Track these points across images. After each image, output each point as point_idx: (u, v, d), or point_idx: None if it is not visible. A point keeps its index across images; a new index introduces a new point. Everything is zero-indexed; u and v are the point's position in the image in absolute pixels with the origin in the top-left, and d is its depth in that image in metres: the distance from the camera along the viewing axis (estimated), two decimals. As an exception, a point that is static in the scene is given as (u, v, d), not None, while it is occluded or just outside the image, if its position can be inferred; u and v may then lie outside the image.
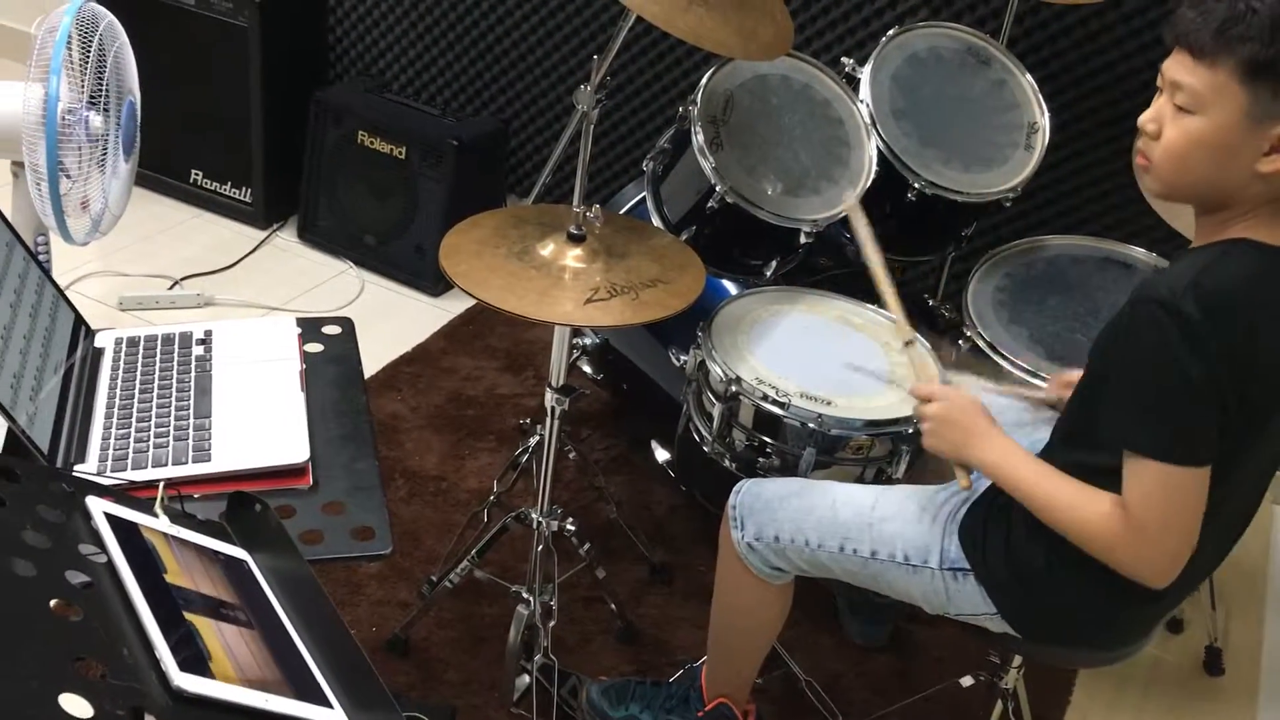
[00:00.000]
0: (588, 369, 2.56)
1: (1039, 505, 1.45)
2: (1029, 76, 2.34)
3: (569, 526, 2.03)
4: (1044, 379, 1.98)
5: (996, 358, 2.02)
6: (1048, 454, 1.54)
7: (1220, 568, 2.08)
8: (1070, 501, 1.42)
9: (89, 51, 1.93)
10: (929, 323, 2.50)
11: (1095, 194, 2.78)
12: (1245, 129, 1.30)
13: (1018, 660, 1.82)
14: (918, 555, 1.60)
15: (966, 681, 1.92)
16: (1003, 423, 1.81)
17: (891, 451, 1.88)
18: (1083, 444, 1.46)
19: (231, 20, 3.11)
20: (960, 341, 2.11)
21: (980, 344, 2.05)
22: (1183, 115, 1.33)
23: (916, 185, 2.17)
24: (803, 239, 2.10)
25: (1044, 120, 2.31)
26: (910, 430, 1.84)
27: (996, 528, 1.55)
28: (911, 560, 1.61)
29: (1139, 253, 2.25)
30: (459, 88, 3.43)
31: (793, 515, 1.67)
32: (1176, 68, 1.34)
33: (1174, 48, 1.34)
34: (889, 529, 1.62)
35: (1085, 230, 2.67)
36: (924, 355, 1.67)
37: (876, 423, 1.84)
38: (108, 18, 2.00)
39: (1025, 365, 2.00)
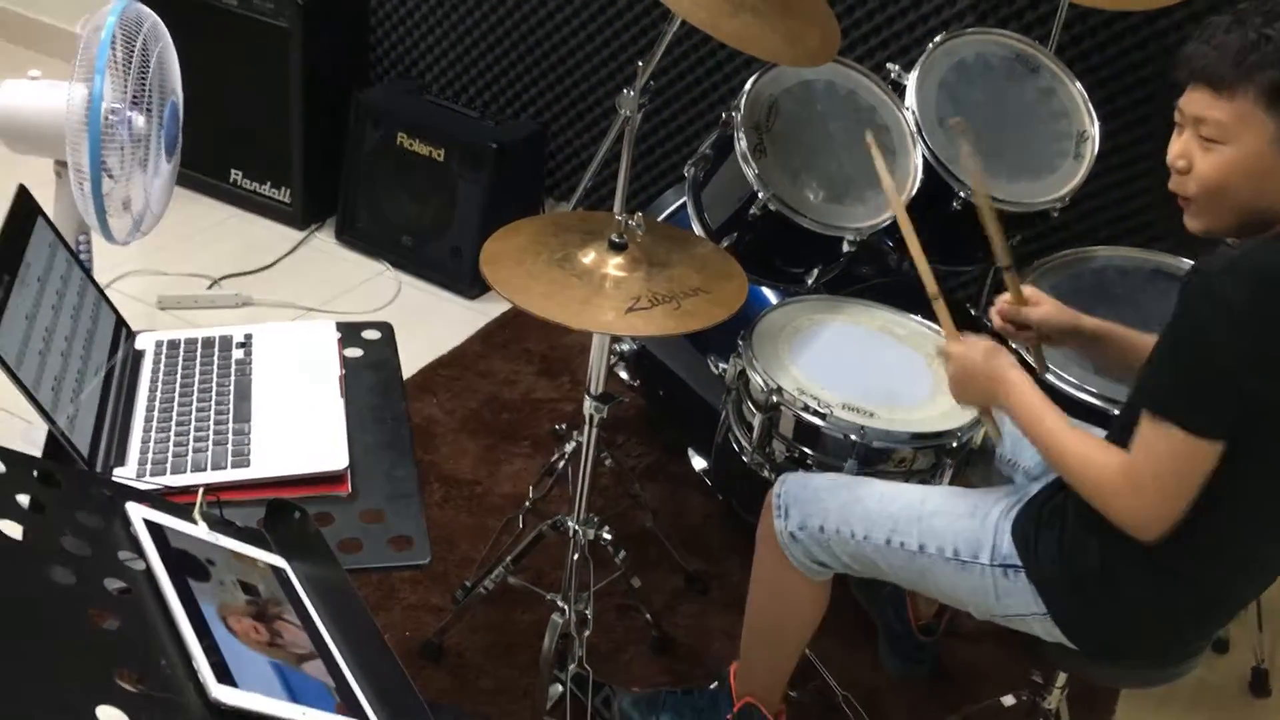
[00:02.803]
0: (625, 375, 2.55)
1: (1052, 448, 1.47)
2: (1078, 84, 2.30)
3: (605, 534, 2.01)
4: (1090, 390, 1.95)
5: (1046, 374, 1.98)
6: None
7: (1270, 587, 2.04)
8: (1080, 449, 1.44)
9: (133, 52, 1.93)
10: (973, 333, 2.45)
11: (1144, 204, 2.73)
12: (1276, 152, 1.33)
13: (1061, 680, 1.79)
14: (968, 550, 1.58)
15: (1008, 701, 1.89)
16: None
17: (935, 465, 1.85)
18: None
19: (273, 21, 3.11)
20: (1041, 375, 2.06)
21: (1025, 356, 2.01)
22: (1212, 147, 1.36)
23: (962, 194, 2.14)
24: (845, 247, 2.08)
25: (1094, 129, 2.27)
26: (954, 444, 1.81)
27: (1051, 526, 1.53)
28: (961, 555, 1.58)
29: (1189, 264, 2.20)
30: (499, 90, 3.42)
31: (840, 506, 1.65)
32: (1196, 103, 1.36)
33: (1189, 83, 1.37)
34: (939, 523, 1.60)
35: (1132, 241, 2.62)
36: (947, 311, 1.65)
37: (920, 435, 1.81)
38: (151, 18, 2.00)
39: (1071, 379, 1.96)
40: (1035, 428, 1.50)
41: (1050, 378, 1.98)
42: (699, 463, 2.45)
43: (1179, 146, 1.40)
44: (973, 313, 2.52)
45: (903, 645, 2.15)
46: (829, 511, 1.65)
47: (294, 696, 0.97)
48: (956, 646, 2.23)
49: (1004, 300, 1.72)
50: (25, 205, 1.48)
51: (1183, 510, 1.38)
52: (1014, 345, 1.79)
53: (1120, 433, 1.46)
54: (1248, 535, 1.46)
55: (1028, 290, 1.74)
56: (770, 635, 1.83)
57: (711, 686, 2.00)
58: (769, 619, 1.82)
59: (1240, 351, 1.31)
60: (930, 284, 1.68)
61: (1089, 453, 1.44)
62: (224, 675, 0.93)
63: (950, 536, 1.59)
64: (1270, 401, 1.33)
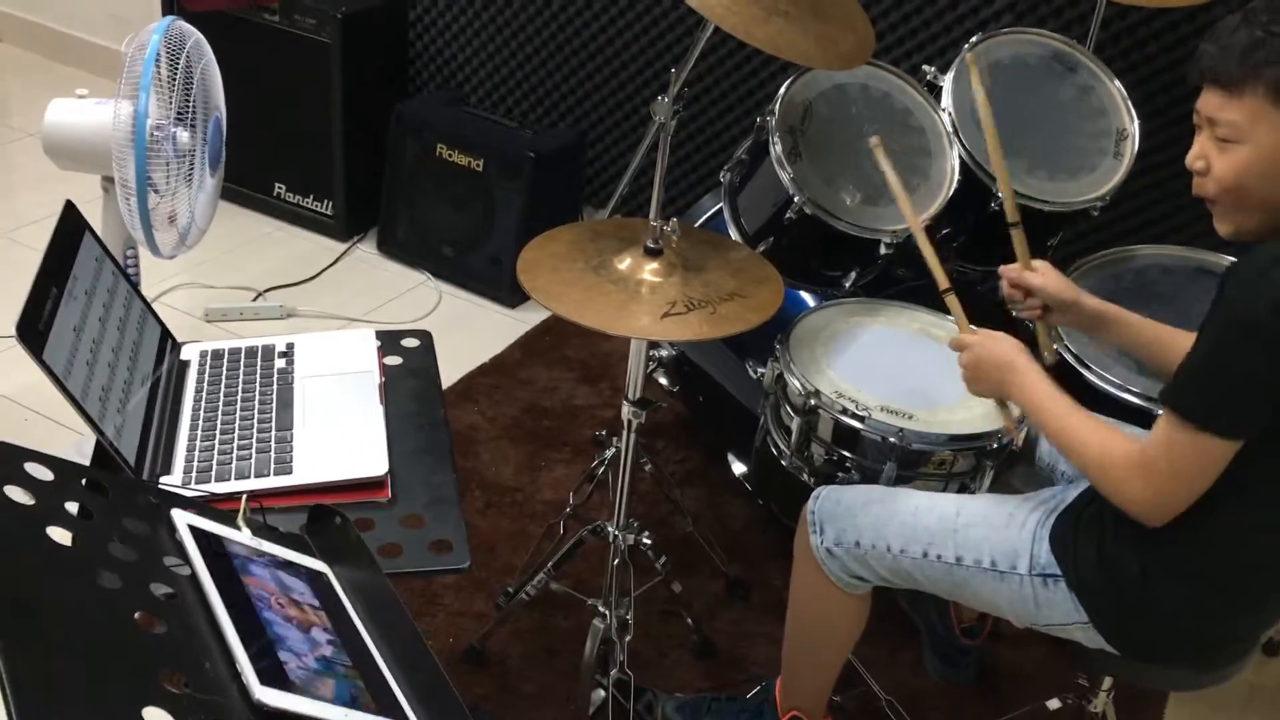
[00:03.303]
0: (664, 381, 2.55)
1: (1066, 437, 1.48)
2: (1117, 82, 2.28)
3: (645, 540, 2.02)
4: (1134, 391, 1.93)
5: (1085, 372, 1.97)
6: None
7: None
8: (1092, 437, 1.45)
9: (177, 69, 1.97)
10: (1010, 334, 2.44)
11: (1186, 202, 2.69)
12: None
13: (1107, 683, 1.77)
14: (1005, 560, 1.57)
15: (1053, 704, 1.87)
16: None
17: (975, 467, 1.84)
18: None
19: (315, 36, 3.16)
20: (1044, 354, 2.05)
21: (1068, 357, 2.00)
22: (1228, 147, 1.36)
23: (1000, 194, 2.12)
24: (882, 249, 2.07)
25: (1134, 127, 2.25)
26: (994, 445, 1.80)
27: (1088, 533, 1.52)
28: (999, 565, 1.57)
29: (1232, 262, 2.18)
30: (536, 99, 3.44)
31: (874, 520, 1.64)
32: (1209, 104, 1.37)
33: (1202, 85, 1.37)
34: (975, 534, 1.59)
35: (1175, 240, 2.59)
36: (959, 304, 1.68)
37: (959, 437, 1.80)
38: (195, 35, 2.04)
39: (1115, 379, 1.95)
40: (1043, 415, 1.51)
41: (1093, 378, 1.96)
42: (738, 467, 2.45)
43: (1197, 148, 1.40)
44: (1012, 313, 2.51)
45: (946, 649, 2.13)
46: (863, 527, 1.65)
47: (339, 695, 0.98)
48: (1001, 649, 2.21)
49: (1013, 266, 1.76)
50: (73, 220, 1.51)
51: (1190, 501, 1.38)
52: (1022, 317, 1.82)
53: None
54: None
55: (1034, 261, 1.77)
56: (811, 649, 1.83)
57: (754, 692, 2.00)
58: (809, 633, 1.81)
59: (1268, 354, 1.28)
60: (941, 279, 1.70)
61: (1100, 437, 1.44)
62: (272, 677, 0.95)
63: (987, 547, 1.58)
64: None
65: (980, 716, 2.06)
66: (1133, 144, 2.24)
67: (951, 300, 1.69)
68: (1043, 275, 1.74)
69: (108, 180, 2.06)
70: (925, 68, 2.26)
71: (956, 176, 2.13)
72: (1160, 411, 1.38)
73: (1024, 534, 1.57)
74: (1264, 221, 1.39)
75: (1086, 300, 1.72)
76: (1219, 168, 1.37)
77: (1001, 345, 1.59)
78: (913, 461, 1.81)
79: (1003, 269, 1.77)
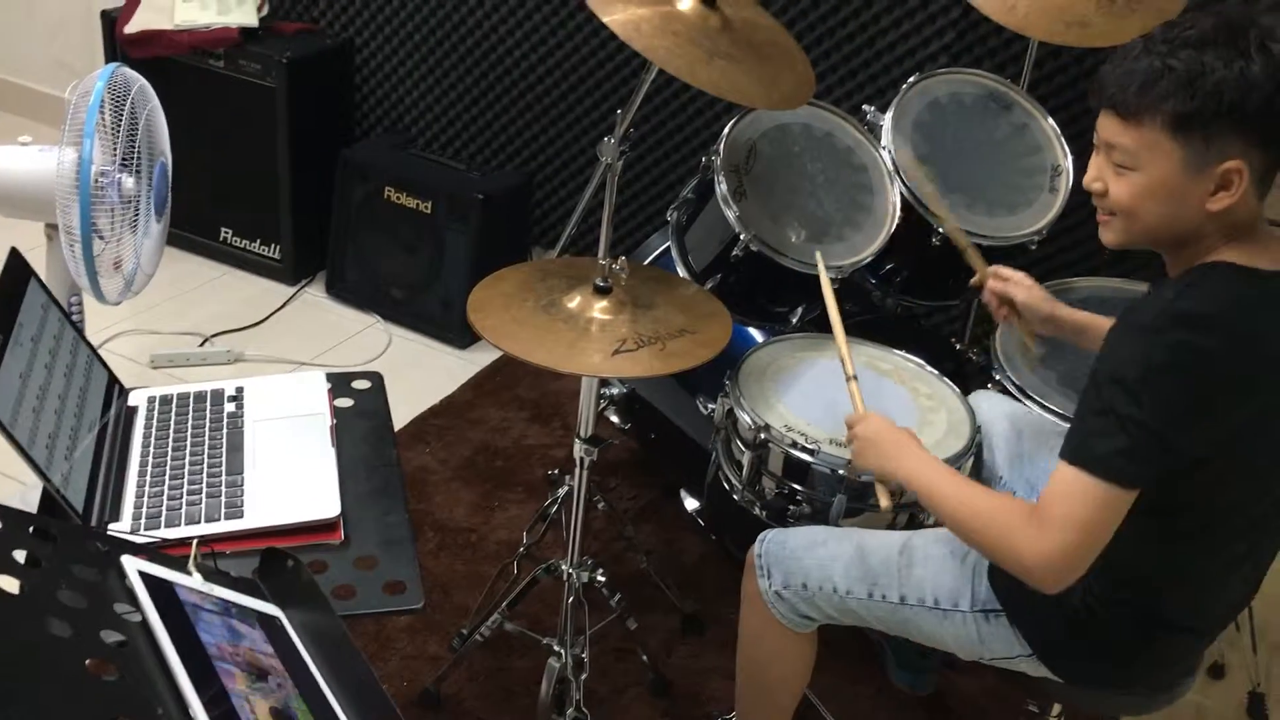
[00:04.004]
0: (615, 419, 2.56)
1: (949, 511, 1.46)
2: (1051, 120, 2.35)
3: (599, 577, 2.02)
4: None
5: (1027, 401, 2.01)
6: None
7: (1262, 611, 2.05)
8: (979, 503, 1.43)
9: (121, 115, 1.97)
10: (956, 368, 2.48)
11: (1121, 235, 2.77)
12: (1186, 177, 1.33)
13: (1057, 709, 1.79)
14: (948, 598, 1.59)
15: (1005, 731, 1.89)
16: (1012, 453, 1.83)
17: (923, 497, 1.87)
18: None
19: (259, 81, 3.16)
20: (989, 385, 2.10)
21: (1010, 388, 2.04)
22: (1123, 172, 1.37)
23: (940, 230, 2.17)
24: (828, 285, 2.10)
25: (1067, 163, 2.31)
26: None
27: None
28: (942, 604, 1.59)
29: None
30: (484, 142, 3.47)
31: (820, 562, 1.66)
32: (1107, 128, 1.38)
33: (1101, 109, 1.38)
34: (917, 573, 1.61)
35: (1112, 272, 2.66)
36: (857, 392, 1.74)
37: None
38: (139, 82, 2.03)
39: (1055, 409, 1.99)
40: (930, 489, 1.49)
41: (1032, 405, 2.00)
42: (691, 503, 2.46)
43: (1094, 170, 1.42)
44: (957, 347, 2.56)
45: (907, 656, 2.16)
46: (809, 568, 1.66)
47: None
48: (954, 678, 2.24)
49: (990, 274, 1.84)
50: (17, 268, 1.50)
51: (1089, 555, 1.34)
52: (1006, 327, 1.90)
53: None
54: (1210, 557, 1.46)
55: (1008, 271, 1.83)
56: (764, 690, 1.84)
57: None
58: (761, 675, 1.82)
59: (1171, 402, 1.29)
60: (848, 365, 1.77)
61: (991, 505, 1.42)
62: (222, 722, 0.94)
63: (929, 586, 1.60)
64: (1207, 449, 1.33)
65: (935, 746, 2.08)
66: (1067, 179, 2.31)
67: (852, 387, 1.75)
68: (1025, 289, 1.79)
69: (51, 227, 2.04)
70: (865, 107, 2.31)
71: (898, 213, 2.17)
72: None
73: (965, 570, 1.59)
74: (1149, 239, 1.42)
75: (1062, 311, 1.77)
76: (1115, 191, 1.39)
77: (889, 428, 1.62)
78: (862, 493, 1.84)
79: (989, 283, 1.83)
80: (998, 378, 2.06)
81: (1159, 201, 1.36)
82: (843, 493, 1.82)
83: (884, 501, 1.63)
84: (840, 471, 1.81)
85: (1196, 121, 1.29)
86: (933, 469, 1.53)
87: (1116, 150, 1.37)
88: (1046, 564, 1.35)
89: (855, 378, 1.76)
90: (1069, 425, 1.39)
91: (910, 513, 1.88)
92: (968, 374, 2.40)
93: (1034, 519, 1.35)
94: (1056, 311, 1.77)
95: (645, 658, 2.16)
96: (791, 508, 1.89)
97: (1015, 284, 1.81)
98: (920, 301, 2.40)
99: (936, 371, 2.06)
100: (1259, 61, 1.26)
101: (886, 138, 2.22)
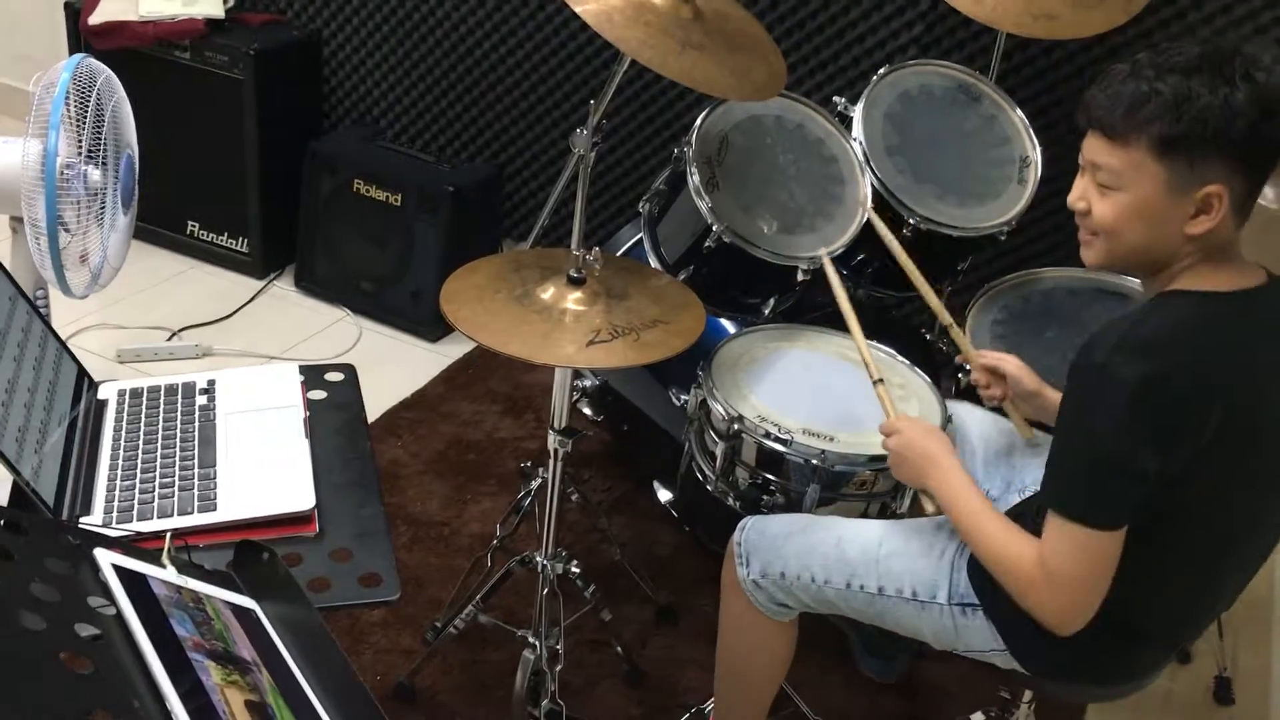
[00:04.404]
0: (588, 411, 2.56)
1: (971, 537, 1.49)
2: (1019, 112, 2.36)
3: (573, 569, 2.02)
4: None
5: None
6: (1025, 509, 1.56)
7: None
8: (999, 539, 1.45)
9: (87, 107, 1.95)
10: (927, 358, 2.50)
11: (1088, 226, 2.80)
12: (1168, 198, 1.36)
13: (1028, 696, 1.81)
14: (925, 591, 1.60)
15: (977, 718, 1.91)
16: (987, 451, 1.83)
17: (896, 486, 1.88)
18: None
19: (226, 73, 3.13)
20: (959, 375, 2.11)
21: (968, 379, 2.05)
22: (1108, 192, 1.39)
23: (911, 221, 2.18)
24: (800, 276, 2.11)
25: (1035, 154, 2.33)
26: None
27: None
28: (919, 596, 1.60)
29: (1133, 283, 2.26)
30: (454, 134, 3.45)
31: (799, 551, 1.67)
32: (1093, 149, 1.40)
33: (1087, 129, 1.40)
34: (896, 565, 1.62)
35: (1079, 261, 2.67)
36: (886, 396, 1.71)
37: (880, 457, 1.84)
38: (105, 73, 2.01)
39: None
40: (958, 514, 1.51)
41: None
42: (664, 494, 2.47)
43: (1078, 189, 1.44)
44: (927, 338, 2.58)
45: (877, 644, 2.17)
46: (788, 557, 1.67)
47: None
48: (926, 666, 2.25)
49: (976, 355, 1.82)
50: (-16, 260, 1.48)
51: (1098, 601, 1.39)
52: (994, 406, 1.85)
53: (1036, 518, 1.48)
54: (1196, 573, 1.48)
55: (992, 355, 1.81)
56: (743, 678, 1.84)
57: (685, 718, 2.01)
58: (740, 664, 1.83)
59: (1135, 433, 1.31)
60: (872, 370, 1.74)
61: (1007, 543, 1.44)
62: (202, 715, 0.93)
63: (908, 578, 1.61)
64: (1174, 473, 1.34)
65: (908, 733, 2.10)
66: (1035, 170, 2.33)
67: (881, 390, 1.72)
68: (1015, 367, 1.77)
69: (16, 220, 2.02)
70: (836, 99, 2.32)
71: (870, 203, 2.18)
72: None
73: (943, 564, 1.61)
74: (1129, 261, 1.44)
75: (1048, 392, 1.75)
76: (1098, 210, 1.40)
77: (928, 439, 1.60)
78: (835, 483, 1.85)
79: (980, 362, 1.81)
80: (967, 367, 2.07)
81: (1141, 222, 1.38)
82: (816, 483, 1.83)
83: (928, 507, 1.61)
84: (813, 462, 1.82)
85: (1181, 145, 1.32)
86: (955, 493, 1.52)
87: (1102, 170, 1.38)
88: (1061, 621, 1.41)
89: (881, 381, 1.73)
90: (1048, 472, 1.41)
91: (883, 502, 1.89)
92: (937, 364, 2.42)
93: (1044, 579, 1.39)
94: (1043, 390, 1.75)
95: (620, 649, 2.16)
96: (765, 498, 1.89)
97: (1004, 360, 1.79)
98: (890, 292, 2.42)
99: (908, 361, 2.07)
100: (1243, 90, 1.29)
101: (858, 128, 2.23)
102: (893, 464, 1.64)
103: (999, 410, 1.87)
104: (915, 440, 1.60)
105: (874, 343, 2.09)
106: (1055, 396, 1.73)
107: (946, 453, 1.58)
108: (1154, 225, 1.38)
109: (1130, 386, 1.30)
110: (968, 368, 2.06)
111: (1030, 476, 1.78)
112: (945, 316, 1.90)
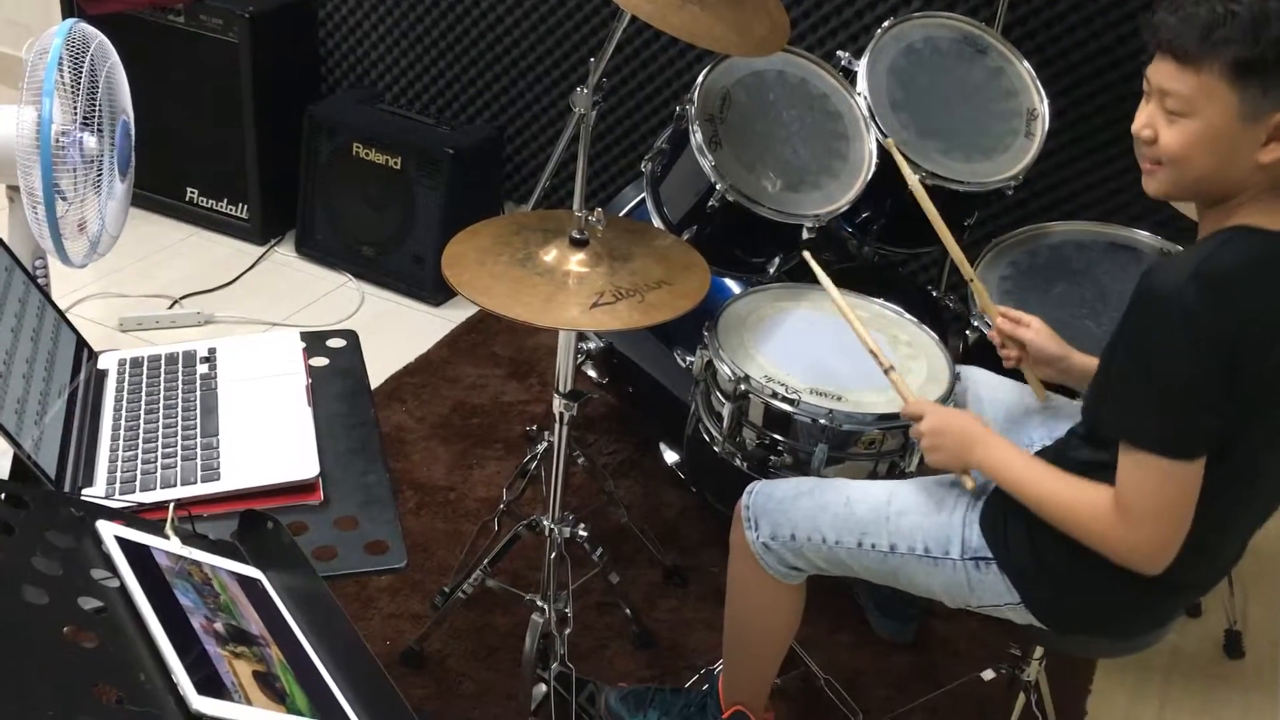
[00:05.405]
0: (593, 373, 2.55)
1: (1036, 501, 1.47)
2: (1026, 63, 2.33)
3: (581, 532, 2.01)
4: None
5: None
6: (1062, 451, 1.53)
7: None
8: (1066, 494, 1.44)
9: (81, 73, 1.92)
10: (934, 315, 2.48)
11: (1097, 179, 2.77)
12: (1240, 125, 1.32)
13: (1039, 652, 1.81)
14: (938, 546, 1.59)
15: (987, 675, 1.91)
16: (1001, 417, 1.82)
17: (904, 445, 1.87)
18: (1096, 442, 1.47)
19: (222, 37, 3.10)
20: (967, 332, 2.09)
21: (986, 333, 2.03)
22: (1176, 119, 1.35)
23: (917, 176, 2.15)
24: (805, 234, 2.09)
25: (1043, 107, 2.30)
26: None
27: (1018, 516, 1.53)
28: (932, 552, 1.59)
29: (1144, 236, 2.24)
30: (453, 96, 3.41)
31: (808, 513, 1.66)
32: (1162, 74, 1.35)
33: (1156, 53, 1.35)
34: (907, 522, 1.61)
35: (1088, 216, 2.66)
36: (900, 382, 1.68)
37: (888, 416, 1.83)
38: (98, 38, 1.98)
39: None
40: (1012, 480, 1.49)
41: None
42: (671, 456, 2.46)
43: (1144, 116, 1.39)
44: (934, 294, 2.55)
45: (890, 605, 2.17)
46: (797, 519, 1.66)
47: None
48: (935, 624, 2.25)
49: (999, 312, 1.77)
50: (-21, 230, 1.46)
51: (1182, 535, 1.37)
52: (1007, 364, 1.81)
53: (1066, 453, 1.46)
54: (1211, 522, 1.45)
55: (1017, 314, 1.76)
56: (752, 641, 1.84)
57: (694, 680, 2.01)
58: (749, 626, 1.82)
59: (1209, 365, 1.29)
60: (882, 359, 1.69)
61: (1076, 495, 1.43)
62: (209, 686, 0.93)
63: (920, 534, 1.60)
64: (1246, 407, 1.32)
65: (916, 690, 2.10)
66: (1043, 123, 2.29)
67: (895, 377, 1.68)
68: (1035, 331, 1.73)
69: (13, 189, 2.00)
70: (840, 53, 2.29)
71: (874, 159, 2.15)
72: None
73: (955, 519, 1.59)
74: (1194, 191, 1.40)
75: (1075, 356, 1.71)
76: (1165, 138, 1.36)
77: (962, 419, 1.58)
78: (843, 442, 1.84)
79: (998, 324, 1.77)
80: (975, 324, 2.06)
81: (1209, 150, 1.34)
82: (824, 442, 1.82)
83: (969, 484, 1.59)
84: (821, 421, 1.80)
85: (1257, 69, 1.28)
86: (1010, 462, 1.50)
87: (1170, 96, 1.34)
88: (1144, 559, 1.40)
89: (893, 368, 1.69)
90: (1109, 394, 1.38)
91: (891, 461, 1.88)
92: (945, 321, 2.40)
93: (1121, 517, 1.37)
94: (1069, 356, 1.71)
95: (628, 611, 2.16)
96: (773, 458, 1.88)
97: (1025, 325, 1.75)
98: (896, 249, 2.39)
99: (915, 319, 2.05)
100: None
101: (862, 83, 2.20)
102: (928, 450, 1.60)
103: (1010, 375, 1.85)
104: (950, 423, 1.58)
105: (880, 300, 2.07)
106: (1082, 360, 1.70)
107: (981, 428, 1.56)
108: (1223, 154, 1.33)
109: (1206, 319, 1.28)
110: (975, 324, 2.05)
111: (1037, 434, 1.77)
112: (967, 270, 1.85)
